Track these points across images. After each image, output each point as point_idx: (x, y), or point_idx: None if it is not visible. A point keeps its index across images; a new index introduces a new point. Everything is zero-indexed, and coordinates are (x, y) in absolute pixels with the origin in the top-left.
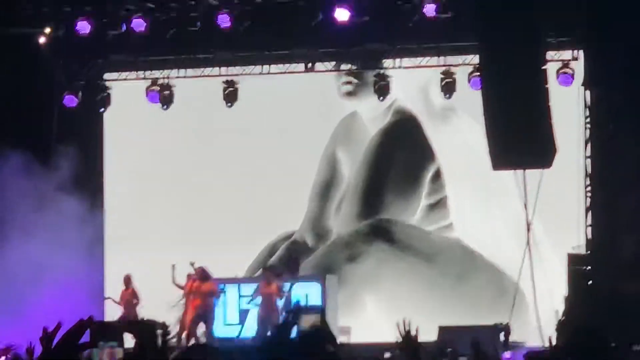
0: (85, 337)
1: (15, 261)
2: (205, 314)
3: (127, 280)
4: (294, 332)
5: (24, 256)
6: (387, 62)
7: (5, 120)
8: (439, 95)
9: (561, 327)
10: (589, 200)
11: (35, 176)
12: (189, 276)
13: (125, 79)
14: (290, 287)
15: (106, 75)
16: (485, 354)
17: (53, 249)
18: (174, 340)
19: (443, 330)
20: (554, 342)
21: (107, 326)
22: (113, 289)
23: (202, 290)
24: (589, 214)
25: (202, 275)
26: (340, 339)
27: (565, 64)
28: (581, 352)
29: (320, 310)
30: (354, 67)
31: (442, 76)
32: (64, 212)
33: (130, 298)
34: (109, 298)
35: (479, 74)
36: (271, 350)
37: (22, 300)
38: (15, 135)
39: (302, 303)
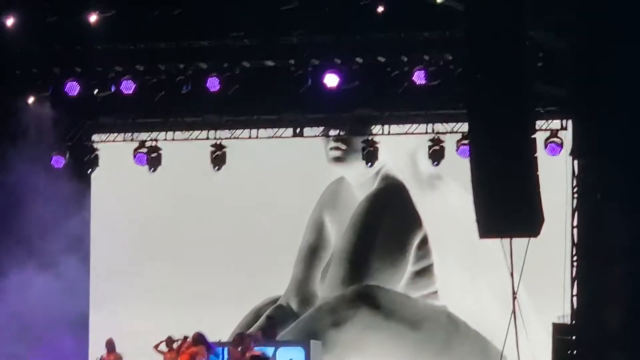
0: None
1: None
2: None
3: (110, 344)
4: None
5: (12, 315)
6: (375, 129)
7: None
8: (427, 162)
9: None
10: (575, 270)
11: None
12: (170, 339)
13: (113, 141)
14: (275, 351)
15: (94, 137)
16: None
17: (38, 308)
18: None
19: None
20: None
21: None
22: (97, 352)
23: (190, 352)
24: (575, 283)
25: (197, 338)
26: None
27: (554, 134)
28: None
29: None
30: (342, 133)
31: (430, 143)
32: (50, 270)
33: None
34: None
35: (467, 142)
36: None
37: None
38: None
39: None
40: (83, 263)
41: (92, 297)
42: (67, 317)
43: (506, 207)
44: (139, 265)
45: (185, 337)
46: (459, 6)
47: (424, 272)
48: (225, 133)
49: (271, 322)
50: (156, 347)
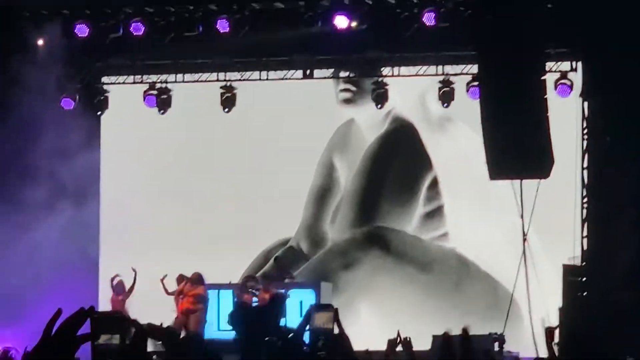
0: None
1: (14, 263)
2: (192, 317)
3: (119, 286)
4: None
5: (21, 259)
6: (385, 70)
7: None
8: (437, 104)
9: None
10: (585, 211)
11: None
12: (181, 277)
13: (123, 83)
14: (285, 294)
15: (104, 79)
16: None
17: (49, 253)
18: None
19: (437, 339)
20: (541, 348)
21: (110, 318)
22: (106, 294)
23: (192, 294)
24: (585, 225)
25: (196, 279)
26: None
27: (564, 75)
28: None
29: (334, 309)
30: (352, 75)
31: (440, 85)
32: (61, 214)
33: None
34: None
35: (477, 83)
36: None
37: (20, 304)
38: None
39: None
40: (93, 205)
41: (101, 239)
42: (77, 259)
43: (516, 148)
44: (148, 208)
45: (181, 277)
46: None
47: (434, 214)
48: (235, 75)
49: (281, 264)
50: (162, 279)
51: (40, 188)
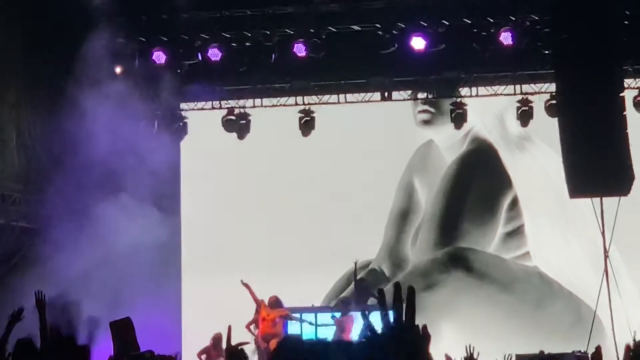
0: None
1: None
2: (272, 342)
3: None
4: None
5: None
6: (463, 91)
7: None
8: (516, 123)
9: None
10: None
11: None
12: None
13: (201, 109)
14: (367, 316)
15: (182, 105)
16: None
17: (131, 273)
18: None
19: (520, 358)
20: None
21: None
22: (188, 313)
23: (271, 317)
24: None
25: (273, 302)
26: None
27: None
28: None
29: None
30: (430, 96)
31: (519, 104)
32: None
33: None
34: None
35: (555, 102)
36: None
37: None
38: None
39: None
40: (174, 230)
41: (183, 261)
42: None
43: (596, 166)
44: (228, 232)
45: (259, 301)
46: None
47: (515, 233)
48: (313, 98)
49: (362, 286)
50: (248, 326)
51: (123, 205)
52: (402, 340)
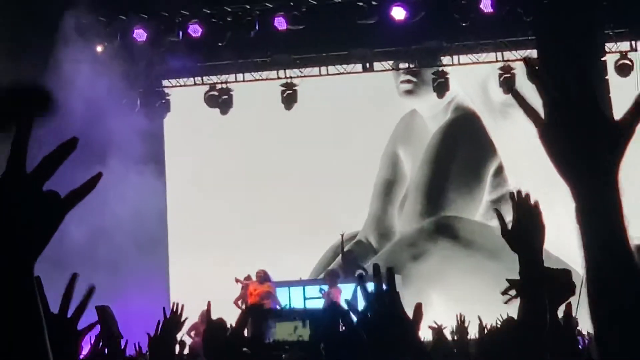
0: None
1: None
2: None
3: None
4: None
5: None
6: (445, 60)
7: None
8: (498, 90)
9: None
10: None
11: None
12: (248, 278)
13: (183, 85)
14: (355, 288)
15: (164, 82)
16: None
17: (120, 248)
18: None
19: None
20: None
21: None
22: (176, 289)
23: (258, 292)
24: None
25: (263, 276)
26: None
27: (623, 55)
28: None
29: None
30: (412, 66)
31: (501, 72)
32: (130, 212)
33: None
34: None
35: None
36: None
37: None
38: None
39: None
40: (161, 206)
41: (169, 237)
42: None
43: None
44: (212, 207)
45: (249, 276)
46: None
47: (500, 200)
48: (295, 72)
49: (350, 258)
50: (236, 301)
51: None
52: (383, 328)
